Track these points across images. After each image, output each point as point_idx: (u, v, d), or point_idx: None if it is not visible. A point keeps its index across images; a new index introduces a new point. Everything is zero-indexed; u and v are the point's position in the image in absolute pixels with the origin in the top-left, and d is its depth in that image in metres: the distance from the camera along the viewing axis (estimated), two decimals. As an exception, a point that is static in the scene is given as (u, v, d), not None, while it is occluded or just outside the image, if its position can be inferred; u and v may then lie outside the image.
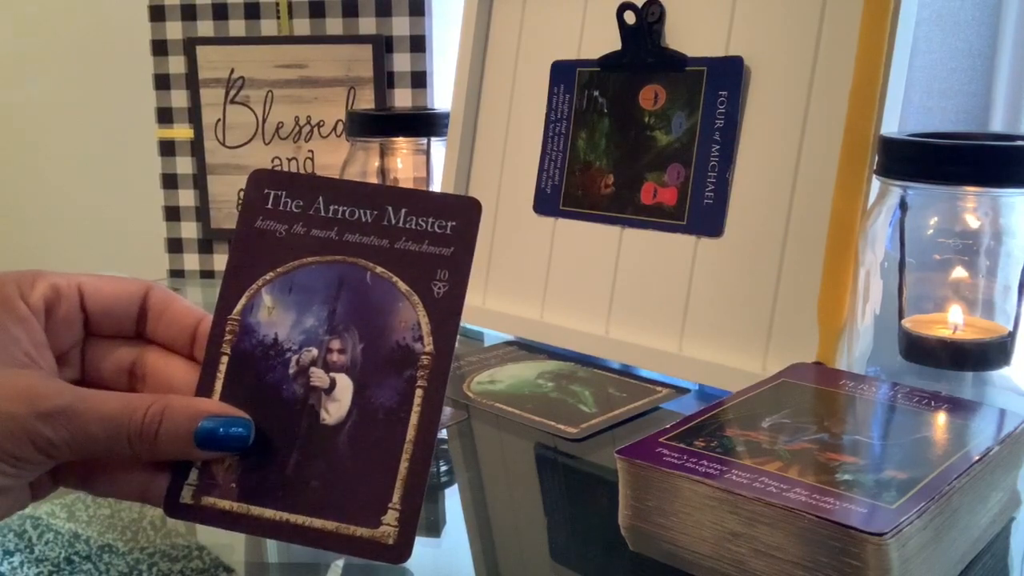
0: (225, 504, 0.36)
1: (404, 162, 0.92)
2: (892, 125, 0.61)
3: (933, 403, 0.50)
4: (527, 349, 0.78)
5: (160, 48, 1.05)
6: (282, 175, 0.38)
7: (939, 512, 0.39)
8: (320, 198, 0.37)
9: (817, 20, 0.64)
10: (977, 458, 0.42)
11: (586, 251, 0.75)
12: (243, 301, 0.37)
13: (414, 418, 0.36)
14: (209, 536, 0.49)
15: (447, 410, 0.65)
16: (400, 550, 0.35)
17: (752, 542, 0.40)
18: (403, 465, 0.36)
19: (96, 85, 1.54)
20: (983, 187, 0.54)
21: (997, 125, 0.73)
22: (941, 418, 0.48)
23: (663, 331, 0.70)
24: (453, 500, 0.55)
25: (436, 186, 0.89)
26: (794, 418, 0.47)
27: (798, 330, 0.63)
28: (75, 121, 1.61)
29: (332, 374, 0.36)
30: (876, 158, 0.58)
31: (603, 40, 0.75)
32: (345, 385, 0.36)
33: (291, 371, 0.37)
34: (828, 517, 0.37)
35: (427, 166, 0.92)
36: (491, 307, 0.81)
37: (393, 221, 0.37)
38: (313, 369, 0.37)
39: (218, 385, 0.37)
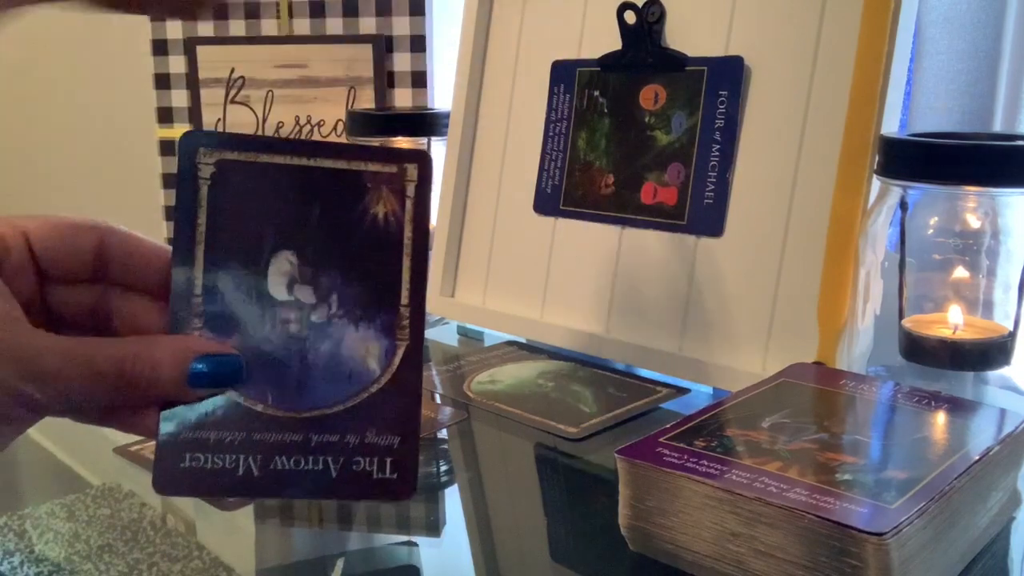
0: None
1: (404, 162, 0.92)
2: (892, 125, 0.61)
3: (933, 403, 0.50)
4: (527, 349, 0.78)
5: (160, 48, 1.05)
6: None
7: (939, 512, 0.39)
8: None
9: (817, 20, 0.64)
10: (977, 458, 0.42)
11: (586, 251, 0.75)
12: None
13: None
14: (209, 536, 0.49)
15: (447, 410, 0.65)
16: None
17: (752, 542, 0.40)
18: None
19: (96, 85, 1.54)
20: (983, 187, 0.55)
21: (1000, 125, 0.73)
22: (941, 418, 0.48)
23: (663, 331, 0.70)
24: (453, 500, 0.55)
25: (436, 186, 0.89)
26: (794, 418, 0.47)
27: (798, 330, 0.63)
28: (75, 121, 1.61)
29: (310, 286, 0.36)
30: (876, 158, 0.58)
31: (603, 40, 0.75)
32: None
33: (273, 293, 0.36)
34: (828, 517, 0.37)
35: (427, 166, 0.92)
36: (491, 307, 0.81)
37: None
38: (297, 286, 0.36)
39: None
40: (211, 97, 1.03)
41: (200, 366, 0.34)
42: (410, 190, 0.36)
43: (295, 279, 0.36)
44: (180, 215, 0.36)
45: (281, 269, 0.36)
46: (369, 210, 0.36)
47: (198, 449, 0.35)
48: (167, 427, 0.35)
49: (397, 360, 0.36)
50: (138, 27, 1.08)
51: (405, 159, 0.36)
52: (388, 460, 0.36)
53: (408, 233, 0.36)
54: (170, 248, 0.37)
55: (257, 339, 0.36)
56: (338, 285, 0.36)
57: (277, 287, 0.36)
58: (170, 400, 0.35)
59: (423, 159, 0.36)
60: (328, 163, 0.36)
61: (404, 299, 0.36)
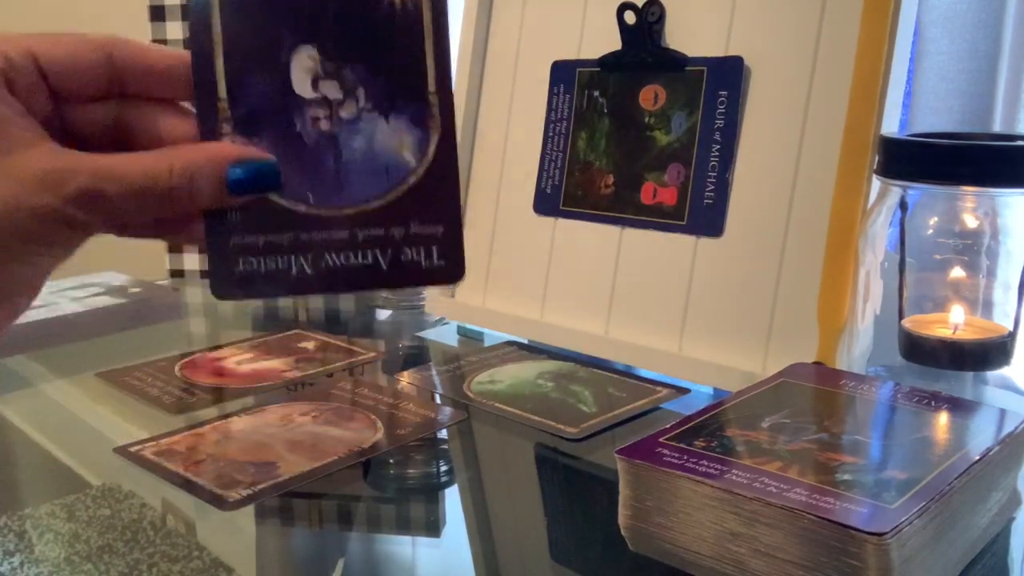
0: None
1: (404, 162, 0.92)
2: (892, 125, 0.61)
3: (933, 403, 0.50)
4: (527, 349, 0.78)
5: (160, 48, 1.05)
6: None
7: (939, 512, 0.39)
8: None
9: (817, 20, 0.64)
10: (977, 458, 0.42)
11: (586, 251, 0.75)
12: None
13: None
14: (209, 536, 0.49)
15: (447, 410, 0.65)
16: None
17: (752, 542, 0.40)
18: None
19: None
20: (982, 187, 0.55)
21: (999, 125, 0.74)
22: (941, 418, 0.48)
23: (663, 331, 0.70)
24: (453, 500, 0.55)
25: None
26: (794, 418, 0.47)
27: (798, 330, 0.63)
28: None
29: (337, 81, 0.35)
30: (876, 158, 0.58)
31: (603, 40, 0.75)
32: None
33: (297, 91, 0.35)
34: (828, 517, 0.37)
35: (427, 166, 0.92)
36: (491, 307, 0.81)
37: None
38: (322, 82, 0.35)
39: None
40: (211, 97, 1.03)
41: (237, 172, 0.34)
42: None
43: (319, 75, 0.35)
44: (194, 22, 0.35)
45: (303, 65, 0.35)
46: None
47: (249, 253, 0.35)
48: (214, 234, 0.35)
49: (432, 149, 0.36)
50: (138, 27, 1.08)
51: None
52: (434, 248, 0.36)
53: (427, 18, 0.35)
54: (183, 53, 0.36)
55: (289, 139, 0.35)
56: (363, 78, 0.35)
57: (302, 84, 0.35)
58: (211, 208, 0.35)
59: None
60: None
61: (431, 86, 0.36)
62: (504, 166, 0.82)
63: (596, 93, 0.75)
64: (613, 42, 0.74)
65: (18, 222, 0.31)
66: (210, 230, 0.35)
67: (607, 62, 0.74)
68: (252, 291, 0.36)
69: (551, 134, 0.78)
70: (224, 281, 0.35)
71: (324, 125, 0.35)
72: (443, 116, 0.36)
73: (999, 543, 0.46)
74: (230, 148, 0.35)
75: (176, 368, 0.73)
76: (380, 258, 0.36)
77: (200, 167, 0.33)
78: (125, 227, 0.35)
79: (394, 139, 0.36)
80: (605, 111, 0.75)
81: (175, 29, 1.04)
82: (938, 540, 0.40)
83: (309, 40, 0.35)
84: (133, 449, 0.58)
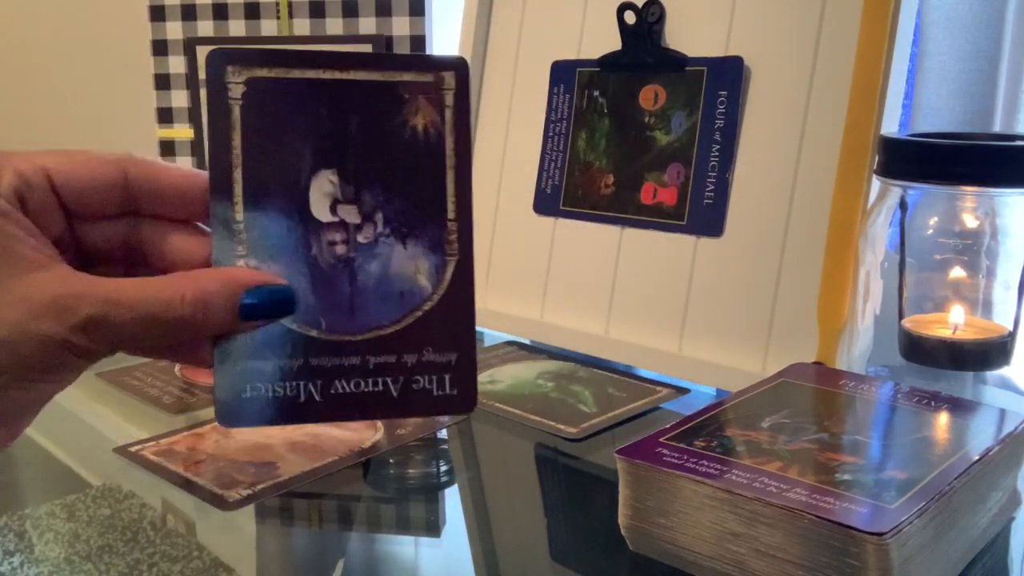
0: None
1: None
2: (892, 125, 0.61)
3: (933, 403, 0.50)
4: (527, 349, 0.78)
5: (160, 48, 1.05)
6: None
7: (939, 512, 0.39)
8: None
9: (817, 20, 0.64)
10: (977, 458, 0.42)
11: (586, 251, 0.75)
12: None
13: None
14: (209, 536, 0.49)
15: (447, 410, 0.65)
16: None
17: (752, 542, 0.40)
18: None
19: (96, 85, 1.54)
20: (982, 187, 0.55)
21: (999, 125, 0.73)
22: (941, 418, 0.48)
23: (663, 331, 0.70)
24: (453, 500, 0.55)
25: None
26: (794, 418, 0.47)
27: (798, 330, 0.63)
28: (76, 121, 1.62)
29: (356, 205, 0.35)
30: (876, 158, 0.58)
31: (603, 40, 0.75)
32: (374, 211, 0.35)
33: (315, 214, 0.35)
34: (828, 517, 0.37)
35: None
36: (491, 307, 0.81)
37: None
38: (340, 206, 0.35)
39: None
40: (211, 97, 1.03)
41: (250, 299, 0.33)
42: (448, 99, 0.35)
43: (338, 199, 0.35)
44: (213, 139, 0.34)
45: (323, 189, 0.35)
46: (408, 122, 0.35)
47: (257, 379, 0.34)
48: (223, 359, 0.34)
49: (448, 276, 0.35)
50: (138, 27, 1.08)
51: (441, 67, 0.35)
52: (447, 377, 0.35)
53: (450, 144, 0.35)
54: (199, 173, 0.35)
55: (304, 263, 0.35)
56: (382, 203, 0.35)
57: (320, 208, 0.35)
58: (220, 332, 0.34)
59: (460, 66, 0.35)
60: (362, 75, 0.35)
61: (451, 213, 0.35)
62: (504, 166, 0.82)
63: (596, 93, 0.75)
64: (613, 42, 0.74)
65: (23, 349, 0.31)
66: (218, 354, 0.34)
67: (607, 62, 0.74)
68: (259, 418, 0.35)
69: (551, 134, 0.78)
70: (231, 408, 0.34)
71: (340, 249, 0.35)
72: (461, 243, 0.35)
73: (999, 543, 0.46)
74: (245, 274, 0.34)
75: (176, 368, 0.73)
76: (391, 385, 0.35)
77: (213, 295, 0.33)
78: (133, 351, 0.35)
79: (410, 264, 0.35)
80: (605, 111, 0.75)
81: (175, 29, 1.04)
82: (938, 540, 0.40)
83: (330, 164, 0.35)
84: (133, 449, 0.58)
